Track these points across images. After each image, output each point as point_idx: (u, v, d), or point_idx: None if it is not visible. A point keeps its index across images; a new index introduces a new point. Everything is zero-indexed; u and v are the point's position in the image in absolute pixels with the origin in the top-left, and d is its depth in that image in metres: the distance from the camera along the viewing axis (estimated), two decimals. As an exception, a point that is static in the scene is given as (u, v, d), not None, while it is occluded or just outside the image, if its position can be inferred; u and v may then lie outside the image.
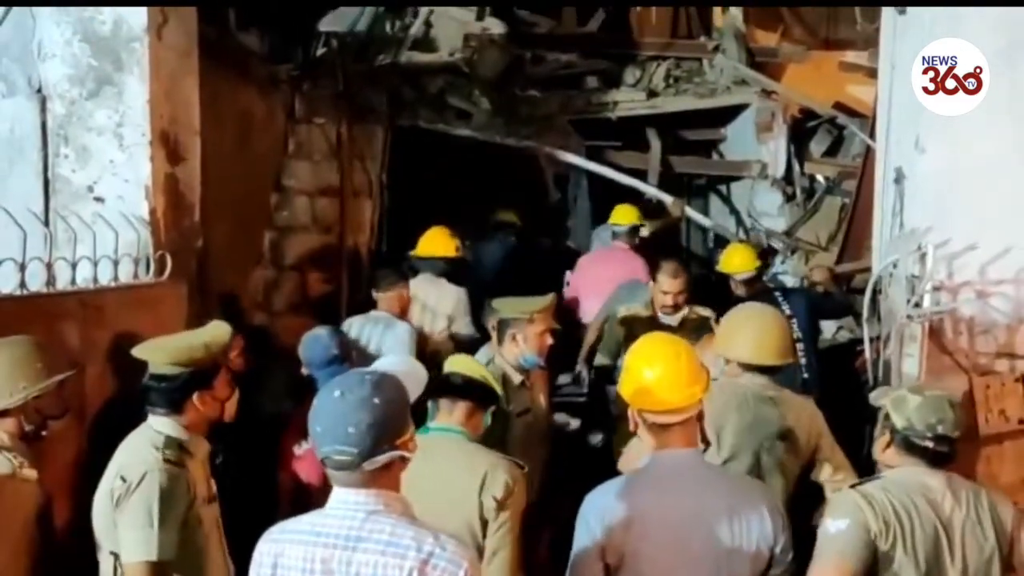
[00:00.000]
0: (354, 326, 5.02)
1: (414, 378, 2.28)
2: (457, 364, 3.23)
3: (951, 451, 2.71)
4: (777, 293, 5.48)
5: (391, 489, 1.99)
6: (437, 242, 5.55)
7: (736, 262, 5.70)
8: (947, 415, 2.70)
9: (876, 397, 2.93)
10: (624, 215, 6.47)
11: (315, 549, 1.91)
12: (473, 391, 3.05)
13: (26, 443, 2.80)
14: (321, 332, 4.17)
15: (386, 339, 4.89)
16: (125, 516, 2.64)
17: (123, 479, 2.67)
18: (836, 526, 2.59)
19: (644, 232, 6.82)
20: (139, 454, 2.73)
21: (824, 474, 3.37)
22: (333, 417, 1.93)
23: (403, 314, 5.11)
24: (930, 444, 2.67)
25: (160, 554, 2.60)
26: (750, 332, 3.47)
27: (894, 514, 2.58)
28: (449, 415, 3.02)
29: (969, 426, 3.49)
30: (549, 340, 4.11)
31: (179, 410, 2.81)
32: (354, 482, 1.94)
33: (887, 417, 2.79)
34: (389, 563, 1.86)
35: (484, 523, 2.81)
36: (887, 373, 3.82)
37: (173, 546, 2.64)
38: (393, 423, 1.95)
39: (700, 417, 2.55)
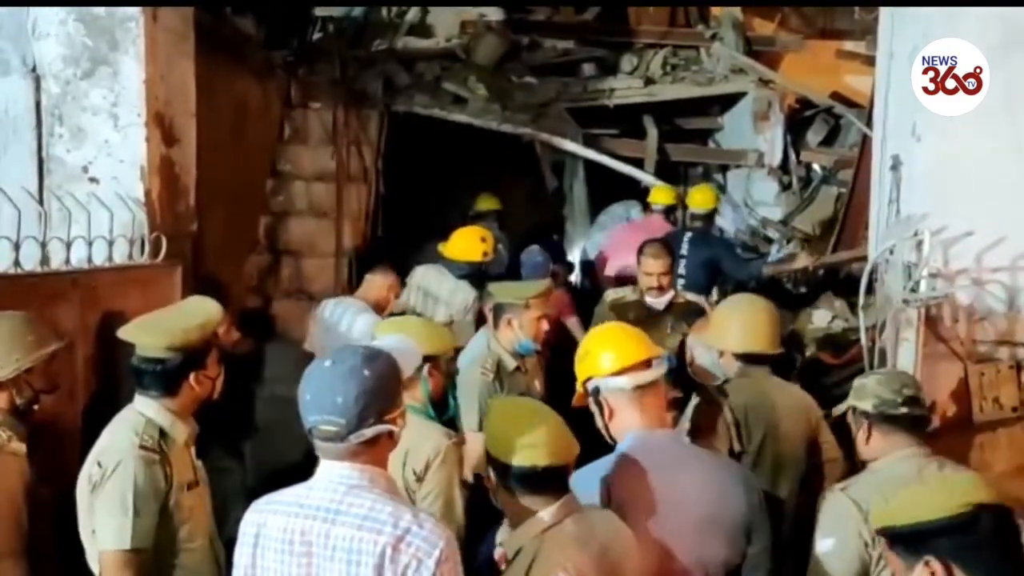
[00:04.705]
0: (327, 308, 5.01)
1: (408, 355, 2.27)
2: (383, 328, 3.27)
3: (925, 414, 2.74)
4: (689, 233, 6.06)
5: (377, 465, 1.98)
6: (466, 246, 5.31)
7: (698, 199, 6.42)
8: (907, 379, 2.76)
9: (840, 408, 2.90)
10: (662, 195, 6.81)
11: (296, 520, 1.91)
12: None
13: (17, 418, 2.79)
14: (534, 247, 5.64)
15: (355, 326, 4.83)
16: (100, 503, 2.61)
17: (99, 464, 2.64)
18: (825, 545, 2.56)
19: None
20: (117, 439, 2.69)
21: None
22: (322, 386, 1.93)
23: (378, 305, 5.01)
24: (905, 409, 2.67)
25: (135, 543, 2.57)
26: (740, 322, 3.51)
27: None
28: None
29: (963, 414, 3.53)
30: (545, 326, 4.11)
31: (174, 392, 2.77)
32: (340, 455, 1.93)
33: (855, 411, 2.78)
34: (364, 538, 1.86)
35: (412, 494, 2.89)
36: (883, 361, 3.82)
37: (149, 534, 2.61)
38: (382, 396, 1.94)
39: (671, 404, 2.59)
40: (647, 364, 2.56)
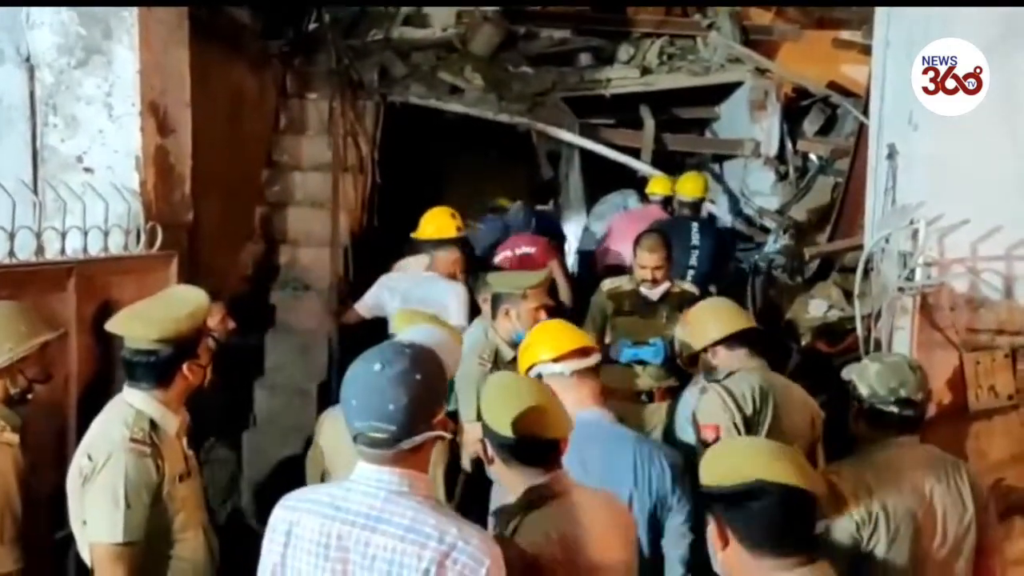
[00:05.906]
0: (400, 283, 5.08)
1: (453, 352, 2.22)
2: (402, 319, 3.31)
3: (916, 415, 2.75)
4: (695, 223, 5.94)
5: (419, 469, 1.90)
6: (438, 223, 5.35)
7: (688, 187, 6.35)
8: (907, 378, 2.74)
9: (846, 373, 2.94)
10: (660, 185, 6.73)
11: (332, 524, 1.84)
12: None
13: (10, 408, 2.78)
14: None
15: (432, 292, 4.86)
16: (91, 496, 2.59)
17: (90, 458, 2.62)
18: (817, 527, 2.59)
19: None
20: (107, 432, 2.67)
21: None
22: (372, 391, 1.83)
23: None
24: (895, 409, 2.71)
25: (127, 536, 2.55)
26: (711, 312, 3.61)
27: (876, 499, 2.58)
28: None
29: (959, 402, 3.53)
30: (543, 316, 4.10)
31: (166, 384, 2.75)
32: (384, 459, 1.85)
33: (854, 389, 2.83)
34: (408, 550, 1.78)
35: None
36: (879, 350, 3.82)
37: (141, 526, 2.59)
38: (432, 401, 1.88)
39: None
40: (584, 352, 2.82)
